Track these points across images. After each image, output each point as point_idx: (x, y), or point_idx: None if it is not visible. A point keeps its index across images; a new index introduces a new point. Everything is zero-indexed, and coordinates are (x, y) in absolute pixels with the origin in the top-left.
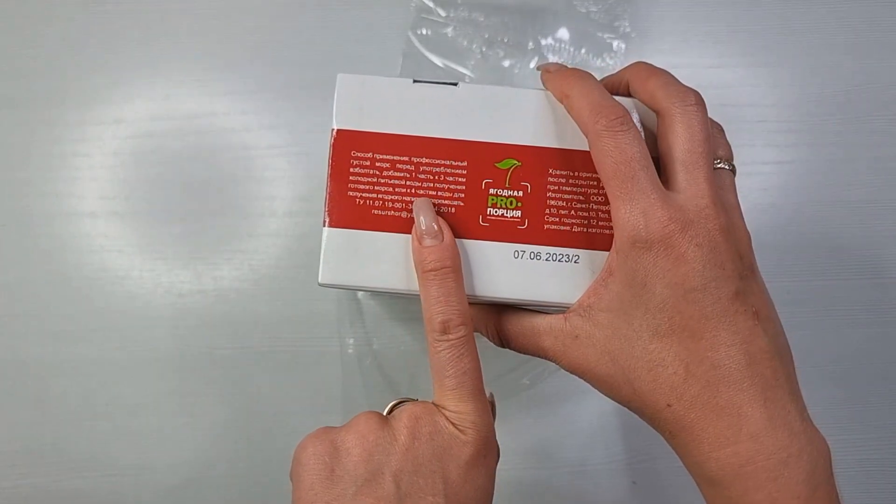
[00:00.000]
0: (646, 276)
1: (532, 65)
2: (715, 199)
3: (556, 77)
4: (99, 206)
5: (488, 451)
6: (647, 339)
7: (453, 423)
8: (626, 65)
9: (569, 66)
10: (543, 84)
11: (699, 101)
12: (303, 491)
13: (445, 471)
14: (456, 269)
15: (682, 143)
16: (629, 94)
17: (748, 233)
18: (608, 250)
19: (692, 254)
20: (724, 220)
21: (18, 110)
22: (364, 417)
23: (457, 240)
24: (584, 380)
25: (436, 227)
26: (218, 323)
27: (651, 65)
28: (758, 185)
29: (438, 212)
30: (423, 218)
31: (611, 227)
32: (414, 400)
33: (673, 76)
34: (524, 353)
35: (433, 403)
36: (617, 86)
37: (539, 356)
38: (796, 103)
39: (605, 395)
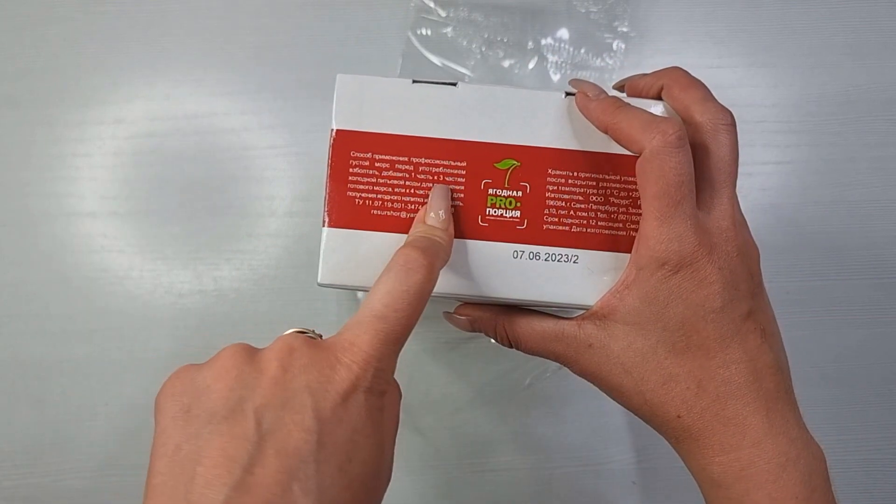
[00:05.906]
0: (668, 297)
1: (531, 65)
2: (734, 219)
3: (598, 108)
4: (99, 206)
5: (373, 387)
6: (663, 356)
7: (337, 354)
8: (625, 66)
9: (608, 95)
10: (582, 109)
11: (733, 122)
12: (156, 436)
13: (318, 406)
14: (437, 268)
15: (713, 161)
16: (658, 97)
17: (757, 248)
18: (607, 250)
19: (714, 277)
20: (740, 241)
21: (18, 110)
22: (230, 350)
23: (456, 240)
24: (594, 384)
25: (444, 216)
26: (218, 323)
27: (689, 74)
28: (758, 185)
29: None
30: (437, 203)
31: (609, 227)
32: (314, 334)
33: (710, 91)
34: (533, 356)
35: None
36: (648, 89)
37: (549, 359)
38: (796, 103)
39: (614, 400)
